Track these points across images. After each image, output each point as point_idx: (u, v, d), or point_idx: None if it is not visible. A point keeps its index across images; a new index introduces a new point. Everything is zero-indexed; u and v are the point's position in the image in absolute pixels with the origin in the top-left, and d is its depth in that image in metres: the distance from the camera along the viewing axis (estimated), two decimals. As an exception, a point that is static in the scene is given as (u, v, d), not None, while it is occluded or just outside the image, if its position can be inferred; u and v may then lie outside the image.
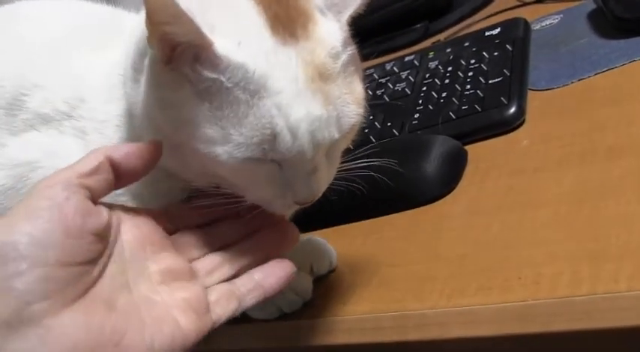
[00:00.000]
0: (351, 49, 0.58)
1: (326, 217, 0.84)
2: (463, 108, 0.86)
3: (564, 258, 0.61)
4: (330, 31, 0.56)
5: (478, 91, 0.87)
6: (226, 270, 0.59)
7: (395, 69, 1.02)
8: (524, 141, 0.82)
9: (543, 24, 1.04)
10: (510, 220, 0.69)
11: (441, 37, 1.18)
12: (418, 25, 1.21)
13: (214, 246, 0.60)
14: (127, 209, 0.57)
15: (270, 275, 0.59)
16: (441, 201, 0.78)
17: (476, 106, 0.85)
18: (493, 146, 0.83)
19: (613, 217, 0.62)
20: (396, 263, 0.72)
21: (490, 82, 0.87)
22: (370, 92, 1.00)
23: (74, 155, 0.55)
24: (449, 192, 0.78)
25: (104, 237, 0.52)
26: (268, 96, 0.52)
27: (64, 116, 0.63)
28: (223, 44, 0.51)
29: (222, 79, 0.51)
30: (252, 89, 0.51)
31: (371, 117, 0.94)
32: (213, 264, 0.59)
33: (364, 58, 1.20)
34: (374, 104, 0.97)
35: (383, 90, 0.99)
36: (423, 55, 1.02)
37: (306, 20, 0.55)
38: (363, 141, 0.88)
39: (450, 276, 0.66)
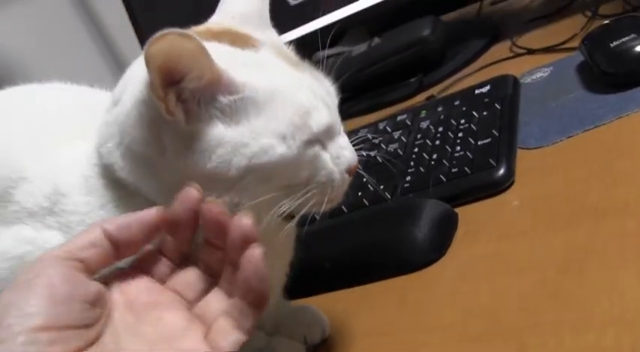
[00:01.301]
0: None
1: (319, 283, 0.86)
2: (453, 170, 0.88)
3: (549, 327, 0.62)
4: (272, 37, 0.69)
5: (468, 153, 0.89)
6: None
7: (388, 128, 1.05)
8: (515, 202, 0.84)
9: (534, 77, 1.06)
10: (498, 287, 0.71)
11: (436, 90, 1.21)
12: (412, 79, 1.24)
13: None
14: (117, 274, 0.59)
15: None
16: (431, 267, 0.80)
17: (465, 169, 0.87)
18: (483, 208, 0.85)
19: (597, 283, 0.64)
20: (386, 331, 0.74)
21: (479, 143, 0.89)
22: (364, 153, 1.03)
23: None
24: (439, 257, 0.80)
25: (97, 305, 0.54)
26: (283, 88, 0.61)
27: (46, 211, 0.64)
28: (230, 70, 0.59)
29: (246, 94, 0.59)
30: (270, 90, 0.60)
31: (364, 180, 0.96)
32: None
33: (360, 113, 1.25)
34: (368, 165, 1.00)
35: (376, 151, 1.01)
36: (415, 113, 1.05)
37: (250, 35, 0.66)
38: (355, 204, 0.91)
39: (436, 347, 0.68)
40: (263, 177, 0.61)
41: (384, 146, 1.01)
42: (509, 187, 0.85)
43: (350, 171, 0.67)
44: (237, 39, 0.65)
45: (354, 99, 1.30)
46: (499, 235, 0.78)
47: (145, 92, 0.59)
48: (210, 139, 0.59)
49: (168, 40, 0.54)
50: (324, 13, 1.28)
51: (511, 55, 1.19)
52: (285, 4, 1.33)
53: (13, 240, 0.64)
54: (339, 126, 0.67)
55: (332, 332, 0.78)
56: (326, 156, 0.65)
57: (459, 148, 0.90)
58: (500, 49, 1.24)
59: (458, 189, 0.87)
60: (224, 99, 0.59)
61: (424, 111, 1.03)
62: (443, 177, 0.88)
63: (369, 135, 1.06)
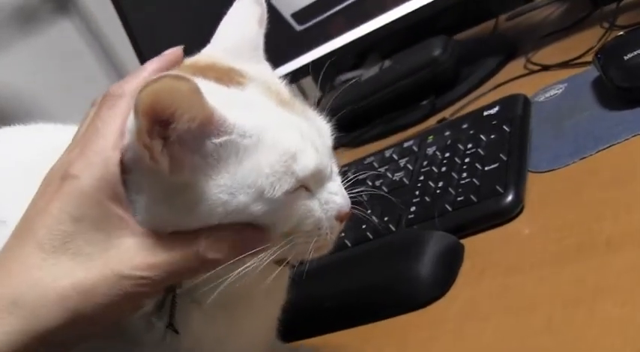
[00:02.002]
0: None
1: (318, 324, 0.81)
2: (459, 199, 0.83)
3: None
4: (264, 72, 0.65)
5: (474, 180, 0.84)
6: None
7: (394, 156, 1.00)
8: (526, 230, 0.78)
9: (547, 95, 1.01)
10: (503, 325, 0.66)
11: (448, 112, 1.16)
12: (424, 102, 1.19)
13: None
14: None
15: None
16: (435, 304, 0.75)
17: (471, 197, 0.82)
18: (491, 238, 0.80)
19: (607, 322, 0.58)
20: None
21: (486, 168, 0.84)
22: (369, 183, 0.98)
23: None
24: (443, 293, 0.75)
25: None
26: (267, 130, 0.57)
27: None
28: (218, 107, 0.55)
29: (233, 137, 0.55)
30: (255, 132, 0.56)
31: (369, 212, 0.91)
32: None
33: (372, 139, 1.20)
34: (372, 196, 0.95)
35: (382, 181, 0.97)
36: (422, 139, 1.00)
37: (237, 71, 0.62)
38: (359, 237, 0.86)
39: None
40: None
41: (389, 175, 0.97)
42: (518, 214, 0.80)
43: (340, 217, 0.63)
44: (223, 75, 0.61)
45: (365, 126, 1.26)
46: (506, 269, 0.73)
47: (130, 137, 0.56)
48: (191, 194, 0.56)
49: (164, 82, 0.51)
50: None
51: (526, 72, 1.14)
52: (291, 30, 1.29)
53: None
54: (331, 169, 0.63)
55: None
56: (313, 203, 0.60)
57: (465, 175, 0.85)
58: (515, 66, 1.19)
59: (464, 219, 0.82)
60: (211, 144, 0.55)
61: (431, 137, 0.99)
62: (448, 207, 0.83)
63: (375, 164, 1.01)
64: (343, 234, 0.89)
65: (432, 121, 1.18)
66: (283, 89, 0.64)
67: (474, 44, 1.33)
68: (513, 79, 1.13)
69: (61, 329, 0.54)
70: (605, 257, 0.66)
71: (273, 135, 0.57)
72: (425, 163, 0.93)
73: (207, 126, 0.55)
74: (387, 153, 1.01)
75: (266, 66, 0.67)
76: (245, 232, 0.57)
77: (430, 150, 0.95)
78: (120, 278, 0.54)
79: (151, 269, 0.55)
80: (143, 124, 0.53)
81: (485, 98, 1.14)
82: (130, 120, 0.55)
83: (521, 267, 0.72)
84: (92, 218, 0.55)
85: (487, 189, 0.81)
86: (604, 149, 0.81)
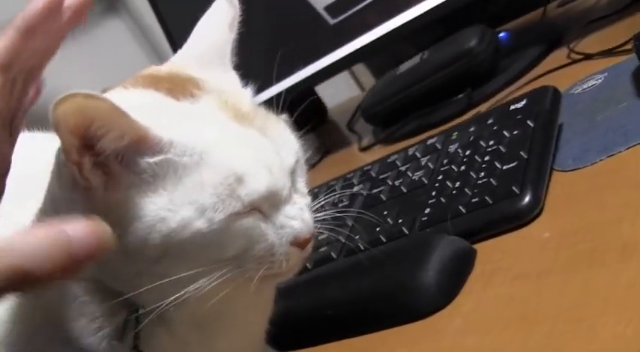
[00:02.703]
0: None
1: (321, 332, 0.76)
2: (473, 201, 0.76)
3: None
4: (224, 81, 0.61)
5: (491, 180, 0.77)
6: None
7: (417, 154, 0.94)
8: (542, 234, 0.71)
9: (585, 86, 0.93)
10: (502, 340, 0.60)
11: (485, 106, 1.08)
12: (460, 96, 1.11)
13: None
14: None
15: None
16: (438, 314, 0.69)
17: (486, 198, 0.75)
18: (506, 243, 0.73)
19: (608, 342, 0.52)
20: None
21: (505, 167, 0.77)
22: (389, 182, 0.92)
23: None
24: (448, 302, 0.69)
25: None
26: (212, 147, 0.53)
27: None
28: (154, 127, 0.52)
29: (169, 156, 0.52)
30: (197, 151, 0.53)
31: (384, 213, 0.85)
32: None
33: (406, 136, 1.14)
34: (390, 197, 0.89)
35: (401, 181, 0.90)
36: (447, 136, 0.93)
37: (196, 82, 0.59)
38: (372, 240, 0.81)
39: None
40: (182, 255, 0.53)
41: (409, 174, 0.90)
42: (537, 217, 0.73)
43: (298, 243, 0.57)
44: (178, 86, 0.58)
45: (400, 122, 1.19)
46: (514, 276, 0.67)
47: (58, 161, 0.54)
48: (127, 211, 0.52)
49: (76, 101, 0.48)
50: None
51: (568, 61, 1.05)
52: (325, 24, 1.24)
53: None
54: (289, 191, 0.57)
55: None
56: (265, 228, 0.56)
57: (482, 174, 0.79)
58: (559, 56, 1.10)
59: (478, 223, 0.75)
60: (145, 163, 0.52)
61: (456, 133, 0.92)
62: (462, 209, 0.76)
63: (398, 162, 0.95)
64: (357, 237, 0.84)
65: (468, 116, 1.10)
66: (244, 102, 0.59)
67: (516, 34, 1.24)
68: (554, 70, 1.05)
69: None
70: (617, 266, 0.59)
71: (218, 154, 0.53)
72: (445, 161, 0.87)
73: (140, 144, 0.52)
74: (411, 151, 0.95)
75: (232, 75, 0.63)
76: (63, 232, 0.41)
77: (452, 148, 0.88)
78: None
79: None
80: (69, 142, 0.50)
81: (523, 91, 1.05)
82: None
83: (529, 275, 0.66)
84: None
85: (503, 190, 0.75)
86: (635, 146, 0.73)
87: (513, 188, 0.74)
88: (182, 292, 0.53)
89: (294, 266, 0.59)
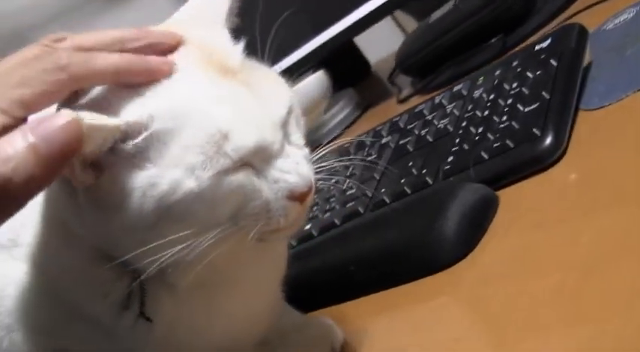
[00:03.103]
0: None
1: (344, 290, 0.75)
2: (495, 146, 0.72)
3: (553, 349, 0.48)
4: (213, 37, 0.57)
5: (513, 123, 0.73)
6: None
7: (443, 102, 0.90)
8: (565, 177, 0.67)
9: (617, 21, 0.87)
10: (514, 292, 0.57)
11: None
12: (494, 40, 1.06)
13: None
14: None
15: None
16: (457, 266, 0.66)
17: (508, 142, 0.71)
18: (528, 188, 0.69)
19: (619, 292, 0.48)
20: (396, 346, 0.63)
21: (526, 109, 0.73)
22: (416, 132, 0.89)
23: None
24: (468, 252, 0.66)
25: None
26: (193, 107, 0.51)
27: (12, 243, 0.59)
28: (130, 112, 0.50)
29: (152, 129, 0.50)
30: (178, 113, 0.51)
31: (410, 164, 0.82)
32: None
33: (441, 85, 1.10)
34: (417, 148, 0.86)
35: (427, 130, 0.87)
36: (473, 81, 0.89)
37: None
38: (397, 192, 0.78)
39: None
40: (178, 218, 0.51)
41: (435, 122, 0.87)
42: (561, 159, 0.68)
43: (295, 198, 0.54)
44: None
45: (434, 71, 1.15)
46: (533, 224, 0.63)
47: None
48: (120, 189, 0.50)
49: None
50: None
51: (601, -2, 0.99)
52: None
53: None
54: (281, 145, 0.54)
55: (346, 347, 0.67)
56: (259, 184, 0.53)
57: (505, 118, 0.74)
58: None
59: (500, 168, 0.71)
60: (130, 146, 0.50)
61: (482, 78, 0.87)
62: (485, 155, 0.73)
63: (425, 111, 0.91)
64: (383, 190, 0.81)
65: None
66: (231, 57, 0.56)
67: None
68: (588, 7, 0.99)
69: None
70: (636, 210, 0.55)
71: (200, 113, 0.51)
72: (470, 107, 0.83)
73: (122, 136, 0.50)
74: (437, 100, 0.91)
75: (223, 33, 0.59)
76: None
77: (477, 93, 0.84)
78: None
79: None
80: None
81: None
82: None
83: (547, 222, 0.62)
84: None
85: (524, 133, 0.71)
86: (664, 78, 0.68)
87: (534, 130, 0.70)
88: (179, 248, 0.51)
89: (295, 221, 0.56)
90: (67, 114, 0.44)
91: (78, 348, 0.58)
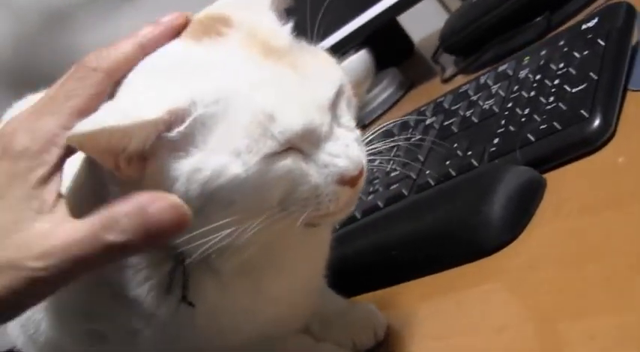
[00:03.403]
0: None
1: (386, 275, 0.74)
2: (542, 127, 0.70)
3: (601, 339, 0.46)
4: (258, 18, 0.55)
5: (560, 104, 0.71)
6: None
7: (489, 82, 0.88)
8: (614, 160, 0.65)
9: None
10: (562, 278, 0.55)
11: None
12: (539, 18, 1.03)
13: None
14: None
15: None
16: (503, 251, 0.64)
17: (555, 124, 0.69)
18: (575, 171, 0.67)
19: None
20: (440, 334, 0.62)
21: (574, 90, 0.71)
22: (461, 113, 0.87)
23: None
24: (514, 237, 0.64)
25: None
26: (237, 89, 0.49)
27: None
28: (172, 99, 0.49)
29: (196, 114, 0.49)
30: (222, 97, 0.49)
31: (455, 145, 0.81)
32: None
33: (485, 65, 1.07)
34: (462, 129, 0.84)
35: (472, 111, 0.85)
36: (518, 61, 0.86)
37: (225, 20, 0.54)
38: (442, 174, 0.77)
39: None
40: (223, 203, 0.50)
41: (481, 103, 0.85)
42: (609, 141, 0.66)
43: (344, 181, 0.52)
44: (204, 27, 0.54)
45: (477, 50, 1.12)
46: (582, 207, 0.62)
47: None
48: (165, 178, 0.49)
49: (83, 138, 0.47)
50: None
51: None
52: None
53: None
54: (330, 127, 0.52)
55: (389, 333, 0.66)
56: (307, 168, 0.51)
57: (552, 99, 0.73)
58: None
59: (547, 151, 0.70)
60: (174, 134, 0.49)
61: (528, 58, 0.85)
62: (531, 137, 0.71)
63: (470, 92, 0.90)
64: (428, 172, 0.80)
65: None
66: (277, 37, 0.54)
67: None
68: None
69: None
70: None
71: (246, 95, 0.49)
72: (516, 88, 0.81)
73: (165, 127, 0.49)
74: (482, 80, 0.89)
75: (269, 14, 0.57)
76: (145, 202, 0.46)
77: (523, 73, 0.82)
78: (13, 268, 0.47)
79: (45, 258, 0.46)
80: (98, 157, 0.49)
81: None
82: None
83: (595, 207, 0.60)
84: (14, 197, 0.48)
85: (572, 114, 0.69)
86: None
87: (582, 111, 0.68)
88: (225, 234, 0.50)
89: (345, 206, 0.54)
90: (173, 201, 0.46)
91: (115, 332, 0.58)
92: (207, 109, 0.49)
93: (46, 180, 0.49)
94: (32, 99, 0.63)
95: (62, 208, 0.48)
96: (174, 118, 0.49)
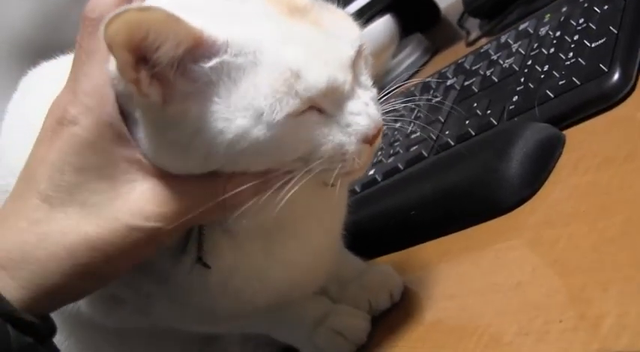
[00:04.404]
0: None
1: (406, 235, 0.71)
2: (561, 83, 0.68)
3: (616, 291, 0.44)
4: None
5: (580, 59, 0.68)
6: None
7: (509, 41, 0.85)
8: (635, 114, 0.62)
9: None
10: (579, 233, 0.53)
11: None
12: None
13: None
14: None
15: None
16: (521, 208, 0.62)
17: (574, 79, 0.66)
18: (595, 127, 0.64)
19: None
20: (455, 293, 0.60)
21: (593, 45, 0.68)
22: (481, 73, 0.84)
23: None
24: (532, 194, 0.62)
25: None
26: (266, 44, 0.48)
27: None
28: (207, 27, 0.47)
29: (225, 57, 0.47)
30: (251, 49, 0.48)
31: (475, 105, 0.78)
32: None
33: (511, 24, 1.04)
34: (482, 88, 0.82)
35: (492, 70, 0.82)
36: (539, 18, 0.83)
37: None
38: (462, 135, 0.75)
39: (496, 314, 0.53)
40: (246, 163, 0.49)
41: (501, 62, 0.82)
42: (629, 96, 0.63)
43: (368, 140, 0.51)
44: None
45: (502, 12, 1.09)
46: (600, 162, 0.59)
47: (114, 76, 0.49)
48: (186, 126, 0.48)
49: (128, 16, 0.44)
50: None
51: None
52: None
53: None
54: (351, 86, 0.51)
55: (406, 293, 0.64)
56: (329, 128, 0.50)
57: (571, 55, 0.69)
58: None
59: (566, 107, 0.67)
60: (200, 68, 0.47)
61: (548, 15, 0.82)
62: (550, 93, 0.68)
63: (491, 51, 0.87)
64: (447, 133, 0.78)
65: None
66: None
67: None
68: None
69: (71, 283, 0.49)
70: None
71: (273, 51, 0.48)
72: (536, 46, 0.78)
73: (196, 49, 0.47)
74: (503, 39, 0.86)
75: None
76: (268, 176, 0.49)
77: (543, 31, 0.79)
78: (130, 229, 0.48)
79: (162, 218, 0.49)
80: (124, 59, 0.46)
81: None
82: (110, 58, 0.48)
83: (614, 160, 0.57)
84: (97, 166, 0.49)
85: (591, 69, 0.66)
86: None
87: (601, 66, 0.64)
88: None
89: (366, 163, 0.53)
90: None
91: (129, 295, 0.57)
92: (236, 58, 0.47)
93: (116, 139, 0.49)
94: (46, 66, 0.63)
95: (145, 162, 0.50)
96: (205, 47, 0.47)
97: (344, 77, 0.50)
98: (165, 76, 0.47)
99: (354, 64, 0.52)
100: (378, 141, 0.53)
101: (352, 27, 0.54)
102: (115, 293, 0.57)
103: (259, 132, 0.47)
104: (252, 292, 0.57)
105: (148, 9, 0.45)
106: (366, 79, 0.54)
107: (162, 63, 0.46)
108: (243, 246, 0.56)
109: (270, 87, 0.47)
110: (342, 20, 0.54)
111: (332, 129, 0.50)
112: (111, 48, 0.45)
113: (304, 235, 0.58)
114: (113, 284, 0.53)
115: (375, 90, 0.54)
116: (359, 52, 0.52)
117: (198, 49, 0.47)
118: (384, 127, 0.55)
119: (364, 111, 0.51)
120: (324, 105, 0.50)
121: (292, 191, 0.49)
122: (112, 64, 0.49)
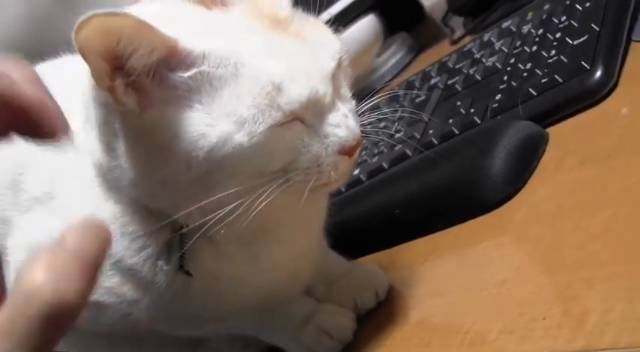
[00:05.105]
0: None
1: (390, 234, 0.71)
2: (543, 81, 0.67)
3: (601, 288, 0.44)
4: None
5: (562, 57, 0.67)
6: None
7: (492, 39, 0.84)
8: (617, 111, 0.62)
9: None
10: (564, 230, 0.53)
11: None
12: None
13: None
14: None
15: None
16: (505, 205, 0.62)
17: (556, 77, 0.66)
18: (578, 124, 0.64)
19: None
20: (440, 291, 0.59)
21: (575, 42, 0.67)
22: (464, 71, 0.84)
23: None
24: (516, 191, 0.61)
25: None
26: (248, 57, 0.48)
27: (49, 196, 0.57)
28: (184, 38, 0.47)
29: (204, 68, 0.47)
30: (232, 61, 0.47)
31: (458, 104, 0.78)
32: None
33: (495, 22, 1.03)
34: (466, 87, 0.81)
35: (476, 68, 0.82)
36: (522, 16, 0.83)
37: None
38: (445, 133, 0.74)
39: (481, 311, 0.52)
40: (227, 171, 0.48)
41: (484, 60, 0.81)
42: (611, 93, 0.63)
43: (345, 152, 0.51)
44: None
45: (486, 10, 1.08)
46: (583, 159, 0.58)
47: (90, 86, 0.49)
48: (165, 131, 0.47)
49: (98, 22, 0.43)
50: None
51: None
52: None
53: (30, 227, 0.58)
54: (331, 98, 0.51)
55: (391, 292, 0.64)
56: (309, 138, 0.50)
57: (553, 52, 0.69)
58: None
59: (548, 104, 0.66)
60: (177, 77, 0.47)
61: (531, 13, 0.82)
62: (533, 91, 0.68)
63: (474, 50, 0.86)
64: (431, 132, 0.77)
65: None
66: (281, 7, 0.52)
67: None
68: None
69: None
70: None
71: (254, 64, 0.47)
72: (518, 44, 0.77)
73: (170, 58, 0.47)
74: (486, 37, 0.86)
75: None
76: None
77: (526, 29, 0.79)
78: None
79: None
80: (99, 67, 0.45)
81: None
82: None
83: (596, 157, 0.57)
84: None
85: (573, 67, 0.65)
86: None
87: (583, 63, 0.64)
88: (229, 207, 0.48)
89: (343, 175, 0.53)
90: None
91: (112, 301, 0.56)
92: (215, 69, 0.47)
93: None
94: (39, 70, 0.61)
95: None
96: (181, 58, 0.47)
97: (324, 89, 0.50)
98: (141, 83, 0.47)
99: (334, 76, 0.52)
100: (357, 154, 0.53)
101: (332, 39, 0.54)
102: (99, 301, 0.56)
103: (242, 138, 0.47)
104: (235, 297, 0.56)
105: (117, 14, 0.44)
106: (346, 90, 0.54)
107: (137, 70, 0.46)
108: (226, 254, 0.55)
109: (252, 99, 0.47)
110: (322, 32, 0.54)
111: (312, 140, 0.50)
112: (84, 55, 0.44)
113: (288, 239, 0.58)
114: (97, 293, 0.53)
115: (353, 102, 0.55)
116: (339, 64, 0.53)
117: (173, 58, 0.47)
118: (368, 129, 0.55)
119: (343, 123, 0.51)
120: (305, 117, 0.50)
121: (265, 202, 0.49)
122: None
